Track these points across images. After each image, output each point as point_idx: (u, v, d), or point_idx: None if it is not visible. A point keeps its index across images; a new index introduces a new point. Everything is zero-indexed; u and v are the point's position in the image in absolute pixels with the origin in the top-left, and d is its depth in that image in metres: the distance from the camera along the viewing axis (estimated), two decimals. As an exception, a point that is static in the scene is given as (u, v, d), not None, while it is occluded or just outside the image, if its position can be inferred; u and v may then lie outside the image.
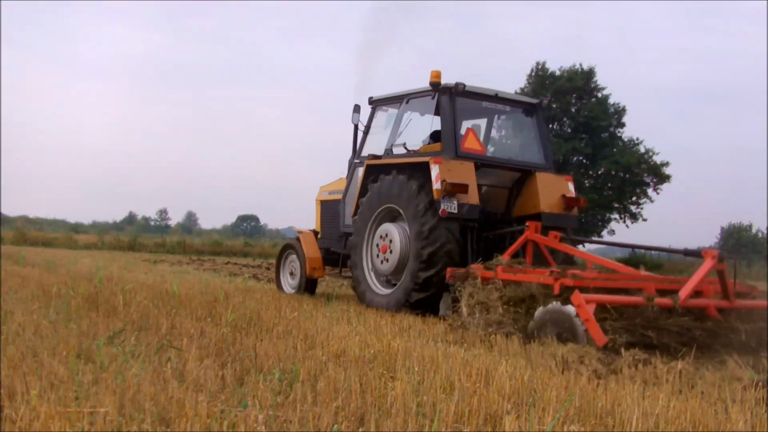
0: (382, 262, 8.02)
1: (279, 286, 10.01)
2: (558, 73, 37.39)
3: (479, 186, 7.84)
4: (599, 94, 37.13)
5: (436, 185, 7.34)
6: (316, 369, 3.79)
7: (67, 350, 3.95)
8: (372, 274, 8.24)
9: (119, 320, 5.37)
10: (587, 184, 36.67)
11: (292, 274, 9.80)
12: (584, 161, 37.11)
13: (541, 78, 37.42)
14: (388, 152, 8.69)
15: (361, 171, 8.65)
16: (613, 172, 35.85)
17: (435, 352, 4.48)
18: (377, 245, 8.12)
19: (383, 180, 8.09)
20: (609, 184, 36.12)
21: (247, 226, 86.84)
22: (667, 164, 35.57)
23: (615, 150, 35.82)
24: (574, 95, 36.81)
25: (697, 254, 6.32)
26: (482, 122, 9.08)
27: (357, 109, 9.08)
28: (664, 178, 35.67)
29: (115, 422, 2.68)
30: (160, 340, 4.44)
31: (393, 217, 8.11)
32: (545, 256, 7.30)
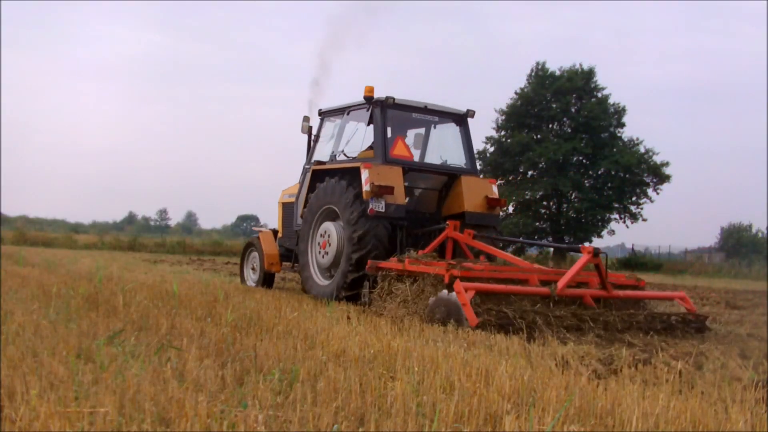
0: (323, 256, 8.86)
1: (242, 280, 11.03)
2: (558, 73, 37.40)
3: (410, 188, 8.95)
4: (599, 94, 37.13)
5: (366, 187, 8.17)
6: (316, 369, 3.79)
7: (67, 350, 3.95)
8: (315, 267, 9.08)
9: (119, 320, 5.37)
10: (587, 184, 36.71)
11: (253, 269, 10.84)
12: (584, 161, 37.10)
13: (541, 78, 37.41)
14: (333, 158, 9.53)
15: (308, 175, 9.60)
16: (613, 172, 35.85)
17: (435, 352, 4.48)
18: (318, 242, 8.97)
19: (324, 183, 8.95)
20: (609, 184, 36.12)
21: (247, 226, 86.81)
22: (667, 164, 35.63)
23: (615, 150, 35.82)
24: (574, 95, 36.80)
25: (576, 249, 7.31)
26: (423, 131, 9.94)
27: (306, 119, 10.13)
28: (664, 178, 35.68)
29: (115, 422, 2.68)
30: (160, 340, 4.44)
31: (332, 216, 8.92)
32: (464, 250, 8.22)
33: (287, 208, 10.49)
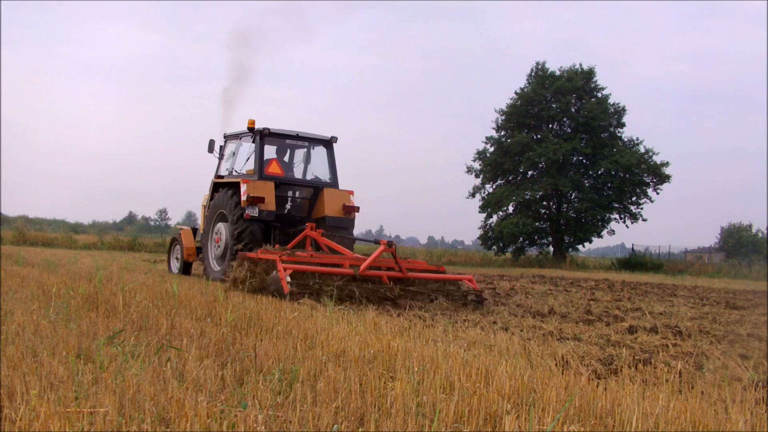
0: (216, 249, 11.55)
1: (169, 269, 13.66)
2: (558, 73, 37.37)
3: (285, 197, 11.55)
4: (599, 94, 37.09)
5: (243, 197, 10.72)
6: (315, 369, 3.79)
7: (67, 350, 3.95)
8: (212, 257, 11.69)
9: (119, 320, 5.36)
10: (587, 184, 36.69)
11: (177, 258, 13.44)
12: (584, 161, 37.08)
13: (541, 78, 37.38)
14: (229, 173, 12.19)
15: (211, 186, 12.35)
16: (613, 172, 35.81)
17: (435, 352, 4.48)
18: (214, 238, 11.67)
19: (219, 193, 11.66)
20: (609, 184, 36.08)
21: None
22: (667, 164, 35.57)
23: (615, 150, 35.78)
24: (574, 95, 36.77)
25: (376, 242, 9.21)
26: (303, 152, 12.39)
27: (211, 142, 12.55)
28: (664, 178, 35.62)
29: (115, 422, 2.67)
30: (159, 340, 4.44)
31: (223, 218, 11.48)
32: (320, 245, 10.38)
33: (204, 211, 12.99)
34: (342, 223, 11.27)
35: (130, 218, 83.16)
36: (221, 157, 12.57)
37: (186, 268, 12.98)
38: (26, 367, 3.45)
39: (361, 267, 8.54)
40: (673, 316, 8.83)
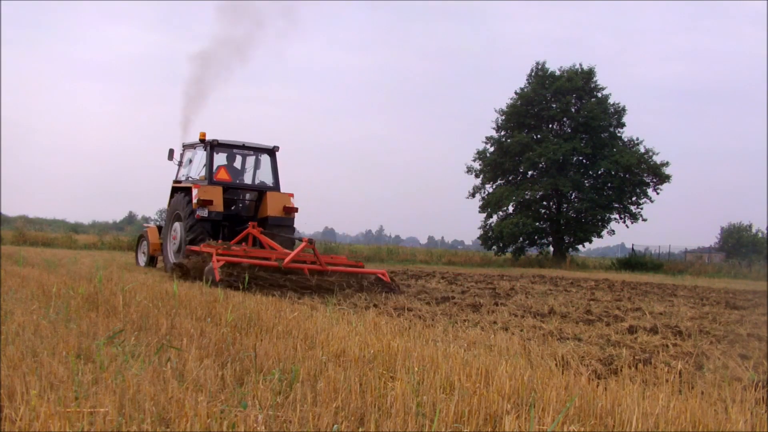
0: (173, 245, 13.16)
1: (137, 262, 15.54)
2: (558, 73, 37.35)
3: (234, 200, 13.38)
4: (599, 94, 37.07)
5: (195, 200, 12.42)
6: (315, 369, 3.79)
7: (67, 350, 3.95)
8: (170, 252, 13.29)
9: (119, 320, 5.36)
10: (587, 184, 36.68)
11: (144, 253, 15.25)
12: (584, 161, 37.06)
13: (541, 78, 37.36)
14: (186, 179, 13.76)
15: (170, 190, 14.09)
16: (613, 172, 35.79)
17: (435, 352, 4.48)
18: (171, 235, 13.33)
19: (176, 196, 13.41)
20: (609, 184, 36.06)
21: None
22: (667, 164, 35.55)
23: (615, 150, 35.77)
24: (574, 95, 36.76)
25: (299, 239, 11.35)
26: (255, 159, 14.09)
27: (170, 151, 14.30)
28: (664, 178, 35.60)
29: (115, 422, 2.67)
30: (160, 340, 4.44)
31: (179, 218, 13.05)
32: (262, 241, 11.79)
33: None
34: (283, 222, 12.99)
35: (130, 218, 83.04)
36: (180, 164, 14.31)
37: (151, 261, 14.81)
38: (26, 367, 3.45)
39: (285, 261, 9.93)
40: (673, 316, 8.83)
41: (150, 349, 4.14)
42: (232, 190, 13.28)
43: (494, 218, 37.09)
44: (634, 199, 36.38)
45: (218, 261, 9.59)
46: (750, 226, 62.54)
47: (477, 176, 37.97)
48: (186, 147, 14.31)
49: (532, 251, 37.77)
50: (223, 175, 13.20)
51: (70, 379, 3.27)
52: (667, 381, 4.05)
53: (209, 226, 12.55)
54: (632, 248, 39.32)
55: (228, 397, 3.17)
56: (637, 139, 36.91)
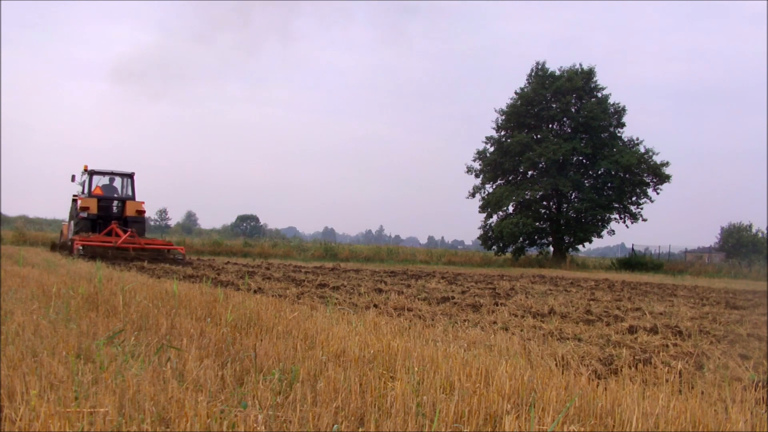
0: (70, 235, 20.42)
1: (53, 249, 22.52)
2: (558, 73, 37.36)
3: (106, 206, 20.83)
4: (599, 94, 37.09)
5: (78, 206, 20.32)
6: (315, 369, 3.79)
7: (67, 350, 3.95)
8: (68, 240, 20.31)
9: (119, 320, 5.36)
10: (587, 184, 36.69)
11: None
12: (584, 161, 37.07)
13: (541, 78, 37.38)
14: (79, 193, 21.64)
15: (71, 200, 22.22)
16: (613, 172, 35.80)
17: (435, 352, 4.48)
18: (70, 230, 21.03)
19: (73, 204, 21.37)
20: (609, 184, 36.08)
21: (247, 226, 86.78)
22: (666, 164, 35.56)
23: (615, 150, 35.78)
24: (574, 95, 36.77)
25: (133, 231, 19.46)
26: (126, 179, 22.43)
27: (73, 176, 21.90)
28: (664, 178, 35.61)
29: (115, 422, 2.67)
30: (159, 340, 4.44)
31: (73, 218, 20.86)
32: (117, 232, 19.64)
33: None
34: (136, 220, 20.72)
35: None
36: (81, 183, 21.72)
37: (63, 247, 21.28)
38: (26, 367, 3.45)
39: (118, 242, 18.33)
40: (673, 316, 8.83)
41: (150, 349, 4.14)
42: (104, 199, 20.98)
43: (494, 218, 37.13)
44: (634, 199, 36.40)
45: (78, 244, 17.81)
46: (750, 226, 62.59)
47: (477, 176, 38.02)
48: (83, 172, 21.64)
49: (532, 251, 37.79)
50: (98, 191, 21.14)
51: (70, 379, 3.27)
52: (667, 381, 4.05)
53: (89, 223, 20.09)
54: (632, 248, 39.33)
55: (228, 397, 3.17)
56: (637, 139, 36.99)
